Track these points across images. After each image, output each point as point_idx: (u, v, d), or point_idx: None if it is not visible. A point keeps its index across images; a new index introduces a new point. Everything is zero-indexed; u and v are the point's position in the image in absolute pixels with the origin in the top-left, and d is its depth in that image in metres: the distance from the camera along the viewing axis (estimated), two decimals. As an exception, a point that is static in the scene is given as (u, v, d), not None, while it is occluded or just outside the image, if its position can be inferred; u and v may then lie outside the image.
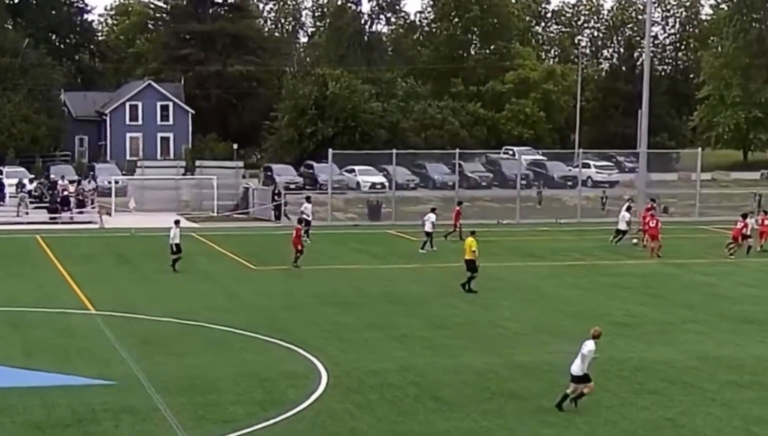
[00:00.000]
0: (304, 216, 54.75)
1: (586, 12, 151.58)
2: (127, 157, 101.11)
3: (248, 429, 23.34)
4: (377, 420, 24.05)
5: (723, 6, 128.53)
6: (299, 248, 46.70)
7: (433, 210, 52.78)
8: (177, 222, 45.94)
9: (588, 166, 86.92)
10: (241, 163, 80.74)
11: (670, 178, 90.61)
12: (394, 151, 68.71)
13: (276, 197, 66.42)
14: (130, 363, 28.93)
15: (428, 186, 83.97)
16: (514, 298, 39.76)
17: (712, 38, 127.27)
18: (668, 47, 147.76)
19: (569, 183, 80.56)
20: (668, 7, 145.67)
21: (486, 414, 24.53)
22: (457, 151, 72.36)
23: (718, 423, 24.00)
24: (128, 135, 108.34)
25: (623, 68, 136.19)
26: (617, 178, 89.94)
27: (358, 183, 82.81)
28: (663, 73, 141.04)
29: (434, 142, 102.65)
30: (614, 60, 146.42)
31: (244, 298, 39.53)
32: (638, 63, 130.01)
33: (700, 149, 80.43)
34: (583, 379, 24.78)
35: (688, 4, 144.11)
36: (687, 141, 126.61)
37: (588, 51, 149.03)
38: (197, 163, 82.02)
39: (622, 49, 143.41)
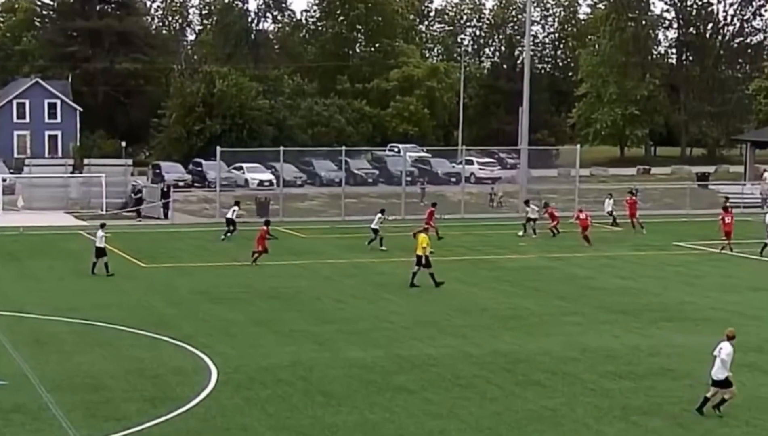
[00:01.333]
0: (229, 216, 54.95)
1: (468, 11, 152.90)
2: (15, 156, 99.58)
3: (139, 427, 23.17)
4: (267, 415, 24.08)
5: (600, 6, 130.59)
6: (261, 247, 46.51)
7: (382, 211, 52.52)
8: (102, 226, 45.00)
9: (471, 162, 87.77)
10: (130, 161, 79.95)
11: (550, 174, 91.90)
12: (282, 148, 68.59)
13: (164, 195, 65.97)
14: (19, 362, 28.58)
15: (315, 183, 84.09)
16: (399, 293, 39.94)
17: (589, 37, 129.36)
18: (548, 46, 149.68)
19: (453, 179, 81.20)
20: (547, 6, 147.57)
21: (373, 408, 24.67)
22: (344, 148, 72.44)
23: (598, 412, 24.38)
24: (16, 133, 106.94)
25: (504, 66, 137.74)
26: (499, 174, 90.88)
27: (246, 180, 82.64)
28: (543, 71, 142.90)
29: (321, 139, 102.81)
30: (496, 58, 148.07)
31: (133, 295, 39.19)
32: (519, 61, 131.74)
33: (578, 146, 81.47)
34: (725, 383, 24.34)
35: (566, 3, 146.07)
36: (566, 137, 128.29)
37: (470, 49, 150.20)
38: (86, 161, 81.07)
39: (503, 48, 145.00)
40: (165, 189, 67.06)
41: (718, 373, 24.37)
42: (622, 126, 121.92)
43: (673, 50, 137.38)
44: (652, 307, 37.52)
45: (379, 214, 51.99)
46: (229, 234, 54.33)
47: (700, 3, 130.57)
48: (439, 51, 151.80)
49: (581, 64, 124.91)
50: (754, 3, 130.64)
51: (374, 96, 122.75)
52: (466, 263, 47.87)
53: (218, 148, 68.39)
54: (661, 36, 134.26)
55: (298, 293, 39.59)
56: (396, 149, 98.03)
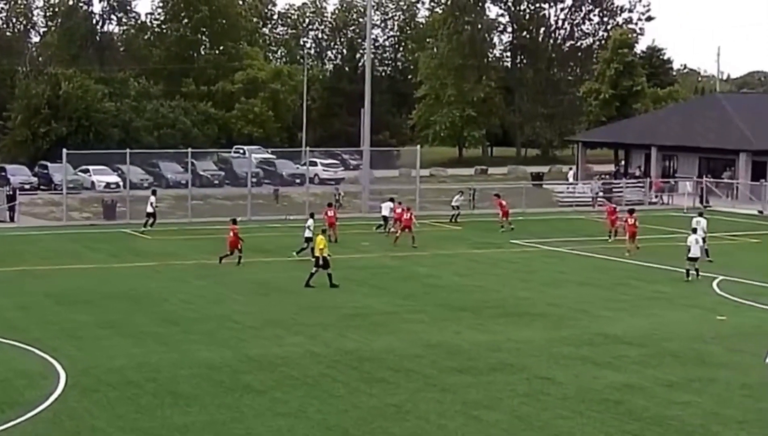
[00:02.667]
0: (150, 209, 56.76)
1: (311, 14, 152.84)
2: None
3: (-13, 432, 22.78)
4: (117, 417, 23.81)
5: (438, 9, 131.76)
6: (238, 247, 46.30)
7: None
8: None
9: (315, 164, 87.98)
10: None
11: (391, 174, 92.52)
12: (128, 150, 67.65)
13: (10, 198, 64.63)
14: None
15: (162, 185, 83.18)
16: (246, 292, 39.88)
17: (428, 40, 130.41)
18: (388, 49, 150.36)
19: (297, 181, 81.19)
20: (387, 10, 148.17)
21: (221, 408, 24.58)
22: (190, 150, 71.91)
23: (440, 408, 24.67)
24: None
25: (347, 69, 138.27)
26: (343, 175, 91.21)
27: (92, 183, 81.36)
28: (384, 74, 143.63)
29: (167, 141, 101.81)
30: (338, 61, 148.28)
31: (-20, 299, 38.35)
32: (360, 64, 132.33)
33: (419, 146, 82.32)
34: None
35: (405, 7, 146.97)
36: (407, 138, 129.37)
37: (313, 52, 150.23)
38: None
39: (345, 51, 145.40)
40: (11, 192, 65.71)
41: None
42: (460, 127, 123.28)
43: (508, 53, 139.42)
44: (491, 303, 38.13)
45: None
46: (149, 227, 56.42)
47: (532, 8, 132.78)
48: (283, 54, 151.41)
49: (420, 67, 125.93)
50: (583, 8, 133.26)
51: (219, 98, 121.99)
52: (310, 262, 47.81)
53: (64, 151, 67.16)
54: (496, 39, 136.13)
55: (147, 295, 39.19)
56: (241, 151, 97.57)
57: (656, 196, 78.63)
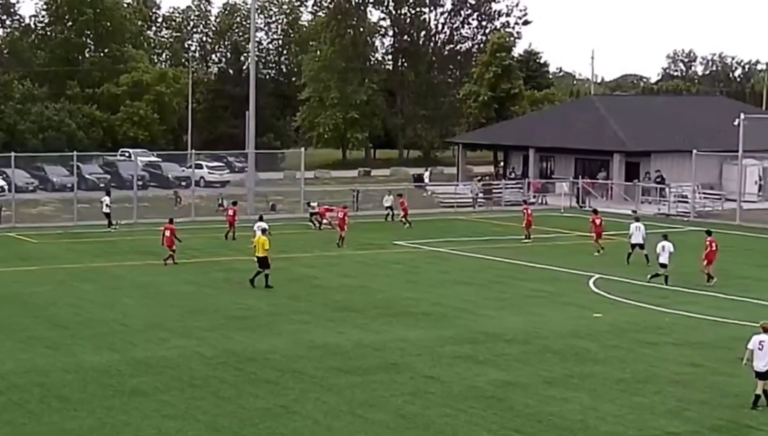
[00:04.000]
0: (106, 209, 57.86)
1: (195, 18, 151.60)
2: None
3: None
4: (4, 423, 23.41)
5: (321, 13, 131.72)
6: (172, 248, 46.38)
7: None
8: None
9: (201, 166, 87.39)
10: None
11: (276, 176, 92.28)
12: (13, 154, 66.46)
13: None
14: None
15: (47, 188, 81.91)
16: (134, 295, 39.52)
17: (311, 43, 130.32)
18: (272, 52, 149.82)
19: (183, 183, 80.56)
20: (271, 13, 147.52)
21: (110, 411, 24.32)
22: (75, 153, 70.89)
23: (326, 407, 24.70)
24: None
25: (231, 72, 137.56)
26: (228, 178, 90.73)
27: (-24, 187, 79.76)
28: (268, 77, 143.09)
29: (52, 145, 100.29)
30: (222, 64, 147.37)
31: None
32: (245, 67, 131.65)
33: (303, 149, 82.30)
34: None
35: (288, 10, 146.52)
36: (291, 141, 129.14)
37: (198, 55, 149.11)
38: None
39: (229, 54, 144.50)
40: None
41: (766, 366, 24.78)
42: (343, 129, 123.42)
43: (390, 57, 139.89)
44: (375, 303, 38.29)
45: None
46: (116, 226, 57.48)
47: (413, 12, 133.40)
48: (168, 57, 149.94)
49: (304, 70, 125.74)
50: (462, 12, 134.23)
51: (104, 101, 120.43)
52: (198, 264, 47.66)
53: (-51, 155, 65.82)
54: (378, 43, 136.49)
55: (34, 299, 38.57)
56: (127, 154, 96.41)
57: (534, 197, 79.58)
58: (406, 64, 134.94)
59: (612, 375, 27.72)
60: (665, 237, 44.01)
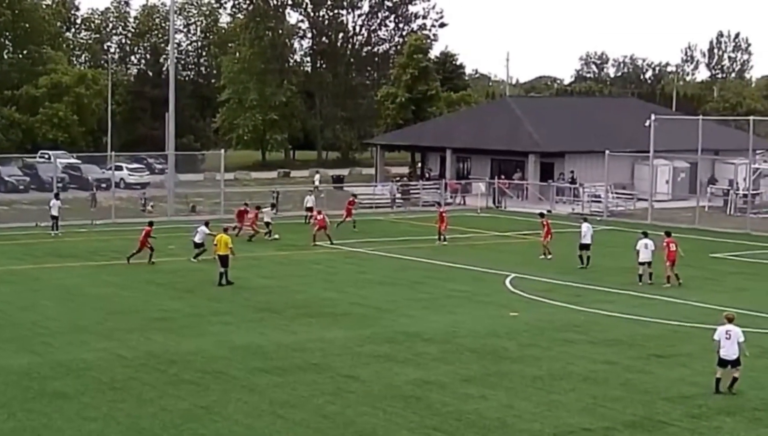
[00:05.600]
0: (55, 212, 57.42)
1: (114, 19, 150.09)
2: None
3: None
4: (-76, 428, 23.09)
5: (240, 15, 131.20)
6: (149, 246, 46.68)
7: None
8: None
9: (121, 168, 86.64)
10: None
11: (196, 178, 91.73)
12: (-70, 156, 65.59)
13: None
14: None
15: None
16: (55, 298, 39.05)
17: (230, 45, 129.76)
18: (191, 53, 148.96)
19: (103, 185, 79.78)
20: (190, 15, 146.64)
21: (31, 414, 23.99)
22: (-6, 155, 70.02)
23: (247, 408, 24.60)
24: None
25: (150, 73, 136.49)
26: (148, 179, 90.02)
27: None
28: (187, 78, 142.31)
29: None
30: (142, 65, 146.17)
31: None
32: (164, 68, 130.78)
33: (223, 150, 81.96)
34: (739, 362, 25.91)
35: (207, 12, 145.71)
36: (211, 142, 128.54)
37: (117, 56, 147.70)
38: None
39: (148, 55, 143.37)
40: None
41: (733, 354, 25.82)
42: (263, 131, 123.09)
43: (308, 58, 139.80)
44: (295, 304, 38.23)
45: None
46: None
47: (331, 14, 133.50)
48: (87, 58, 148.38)
49: (223, 71, 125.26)
50: (379, 14, 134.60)
51: (23, 102, 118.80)
52: (120, 266, 47.22)
53: None
54: (296, 45, 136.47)
55: (-49, 302, 38.04)
56: (47, 156, 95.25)
57: (451, 197, 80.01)
58: (324, 66, 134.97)
59: (528, 373, 27.94)
60: (645, 235, 44.27)
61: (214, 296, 39.68)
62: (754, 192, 72.44)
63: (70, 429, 23.01)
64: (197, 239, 47.87)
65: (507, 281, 43.48)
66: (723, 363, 26.03)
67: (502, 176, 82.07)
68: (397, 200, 76.68)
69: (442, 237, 55.79)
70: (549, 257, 49.65)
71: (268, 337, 32.45)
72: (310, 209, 65.10)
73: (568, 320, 35.60)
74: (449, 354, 30.19)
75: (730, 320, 26.27)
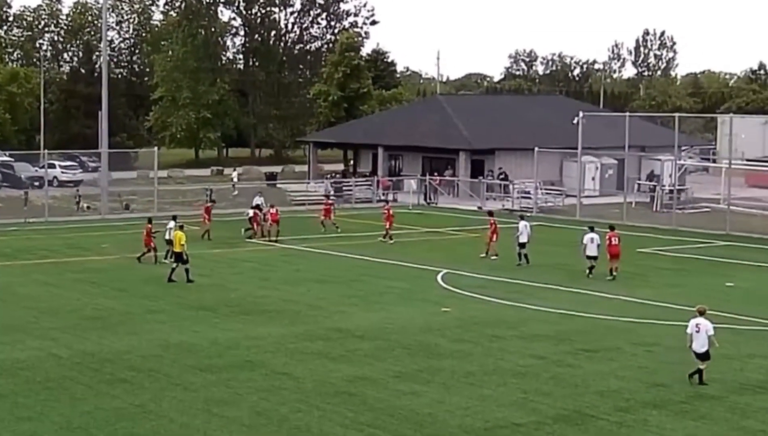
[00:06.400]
0: None
1: (46, 16, 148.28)
2: None
3: None
4: None
5: (172, 12, 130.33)
6: (152, 245, 46.19)
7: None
8: None
9: (54, 166, 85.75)
10: None
11: (130, 176, 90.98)
12: None
13: None
14: None
15: None
16: (-14, 298, 38.65)
17: (163, 43, 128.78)
18: (124, 51, 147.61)
19: (36, 183, 78.85)
20: (122, 12, 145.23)
21: (-36, 415, 23.80)
22: (-74, 154, 68.98)
23: (182, 406, 24.49)
24: None
25: (83, 71, 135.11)
26: (82, 177, 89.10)
27: None
28: (120, 76, 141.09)
29: None
30: (74, 63, 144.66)
31: None
32: (97, 66, 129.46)
33: (156, 148, 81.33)
34: (708, 356, 26.23)
35: (140, 10, 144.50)
36: (144, 141, 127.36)
37: (49, 54, 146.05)
38: None
39: (81, 53, 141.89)
40: None
41: (702, 347, 26.15)
42: (196, 129, 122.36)
43: (241, 56, 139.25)
44: (229, 302, 38.10)
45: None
46: None
47: (263, 11, 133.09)
48: (19, 56, 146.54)
49: (156, 69, 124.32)
50: (311, 12, 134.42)
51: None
52: (52, 265, 46.77)
53: None
54: (229, 42, 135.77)
55: None
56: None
57: (384, 194, 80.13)
58: (257, 64, 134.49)
59: (460, 369, 28.06)
60: (592, 229, 44.55)
61: (148, 295, 39.43)
62: (680, 188, 73.28)
63: (3, 429, 22.76)
64: (168, 236, 47.16)
65: (439, 278, 43.62)
66: (696, 356, 26.47)
67: (434, 173, 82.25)
68: (330, 197, 76.57)
69: (387, 235, 55.75)
70: (493, 257, 48.85)
71: (202, 335, 32.30)
72: (257, 207, 64.71)
73: (499, 315, 35.81)
74: (382, 350, 30.25)
75: (702, 313, 26.72)
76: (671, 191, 71.14)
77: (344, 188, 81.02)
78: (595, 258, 43.66)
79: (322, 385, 26.35)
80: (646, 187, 78.61)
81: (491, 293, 40.12)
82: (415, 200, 76.21)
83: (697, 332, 26.33)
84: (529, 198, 74.11)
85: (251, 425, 23.19)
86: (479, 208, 73.70)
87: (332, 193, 77.48)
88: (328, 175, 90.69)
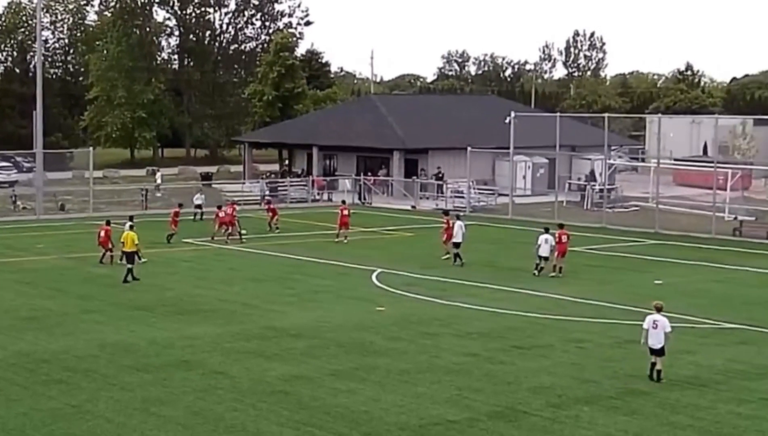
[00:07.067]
0: None
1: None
2: None
3: None
4: None
5: (107, 12, 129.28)
6: (108, 246, 45.87)
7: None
8: None
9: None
10: None
11: (65, 176, 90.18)
12: None
13: None
14: None
15: None
16: None
17: (98, 42, 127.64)
18: (59, 51, 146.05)
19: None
20: (56, 12, 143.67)
21: None
22: None
23: (119, 406, 24.32)
24: None
25: (17, 71, 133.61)
26: (16, 177, 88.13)
27: None
28: (55, 76, 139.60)
29: None
30: (9, 63, 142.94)
31: None
32: (31, 66, 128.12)
33: (91, 148, 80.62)
34: (663, 352, 26.61)
35: (74, 9, 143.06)
36: (80, 140, 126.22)
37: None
38: None
39: (15, 53, 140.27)
40: None
41: (658, 343, 26.52)
42: (131, 129, 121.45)
43: (176, 56, 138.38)
44: (166, 301, 37.90)
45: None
46: None
47: (198, 11, 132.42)
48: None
49: (91, 69, 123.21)
50: (246, 13, 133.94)
51: None
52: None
53: None
54: (164, 42, 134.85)
55: None
56: None
57: (318, 194, 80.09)
58: (192, 64, 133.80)
59: (395, 366, 28.14)
60: (547, 230, 44.77)
61: (84, 295, 39.11)
62: (610, 187, 73.97)
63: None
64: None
65: (373, 276, 43.68)
66: (651, 351, 26.81)
67: (368, 173, 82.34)
68: (266, 197, 76.40)
69: (341, 234, 55.61)
70: (445, 257, 48.65)
71: (138, 334, 32.11)
72: (199, 207, 64.74)
73: (433, 313, 35.94)
74: (317, 349, 30.26)
75: (659, 310, 27.08)
76: (601, 190, 71.80)
77: (279, 188, 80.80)
78: (546, 259, 44.13)
79: (258, 384, 26.31)
80: (577, 186, 79.24)
81: (425, 291, 40.26)
82: (350, 200, 76.19)
83: (654, 328, 26.69)
84: (463, 198, 74.39)
85: (187, 424, 23.09)
86: (413, 207, 73.97)
87: (267, 193, 77.34)
88: (264, 175, 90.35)
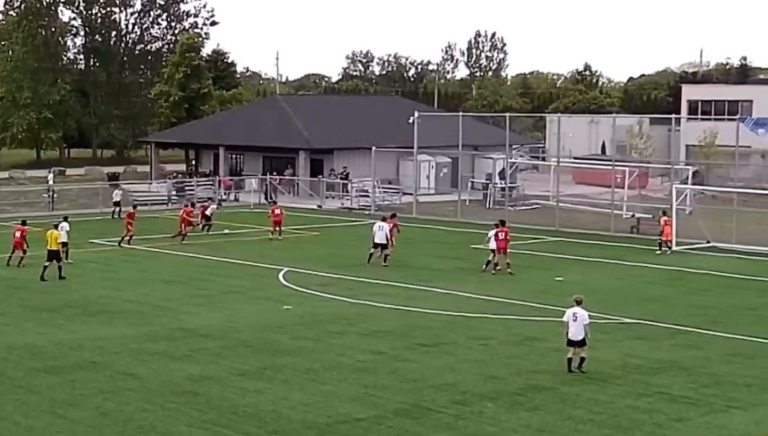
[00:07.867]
0: None
1: None
2: None
3: None
4: None
5: (12, 12, 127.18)
6: (23, 247, 45.09)
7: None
8: None
9: None
10: None
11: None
12: None
13: None
14: None
15: None
16: None
17: (2, 43, 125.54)
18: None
19: None
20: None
21: None
22: None
23: (26, 408, 24.04)
24: None
25: None
26: None
27: None
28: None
29: None
30: None
31: None
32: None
33: (-2, 149, 79.40)
34: (584, 343, 27.11)
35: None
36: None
37: None
38: None
39: None
40: None
41: (578, 335, 26.91)
42: (37, 129, 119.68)
43: (82, 56, 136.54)
44: (73, 303, 37.47)
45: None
46: None
47: (104, 12, 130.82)
48: None
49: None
50: (152, 13, 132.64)
51: None
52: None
53: None
54: (70, 43, 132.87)
55: None
56: None
57: (225, 194, 79.73)
58: (98, 64, 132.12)
59: (302, 366, 28.16)
60: (497, 226, 45.24)
61: (-11, 297, 38.50)
62: (511, 186, 74.65)
63: None
64: (64, 238, 45.61)
65: (280, 276, 43.64)
66: (570, 343, 27.28)
67: (274, 173, 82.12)
68: (173, 197, 75.86)
69: (277, 231, 55.69)
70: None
71: (46, 336, 31.74)
72: (117, 204, 64.28)
73: (339, 312, 36.01)
74: (226, 349, 30.17)
75: (578, 303, 27.49)
76: (503, 189, 72.45)
77: (186, 188, 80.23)
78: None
79: (167, 384, 26.17)
80: (479, 184, 79.85)
81: (333, 290, 40.32)
82: (256, 199, 75.98)
83: (574, 320, 27.17)
84: (368, 196, 74.55)
85: (96, 425, 22.90)
86: (319, 206, 73.97)
87: (174, 193, 76.77)
88: (171, 176, 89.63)
